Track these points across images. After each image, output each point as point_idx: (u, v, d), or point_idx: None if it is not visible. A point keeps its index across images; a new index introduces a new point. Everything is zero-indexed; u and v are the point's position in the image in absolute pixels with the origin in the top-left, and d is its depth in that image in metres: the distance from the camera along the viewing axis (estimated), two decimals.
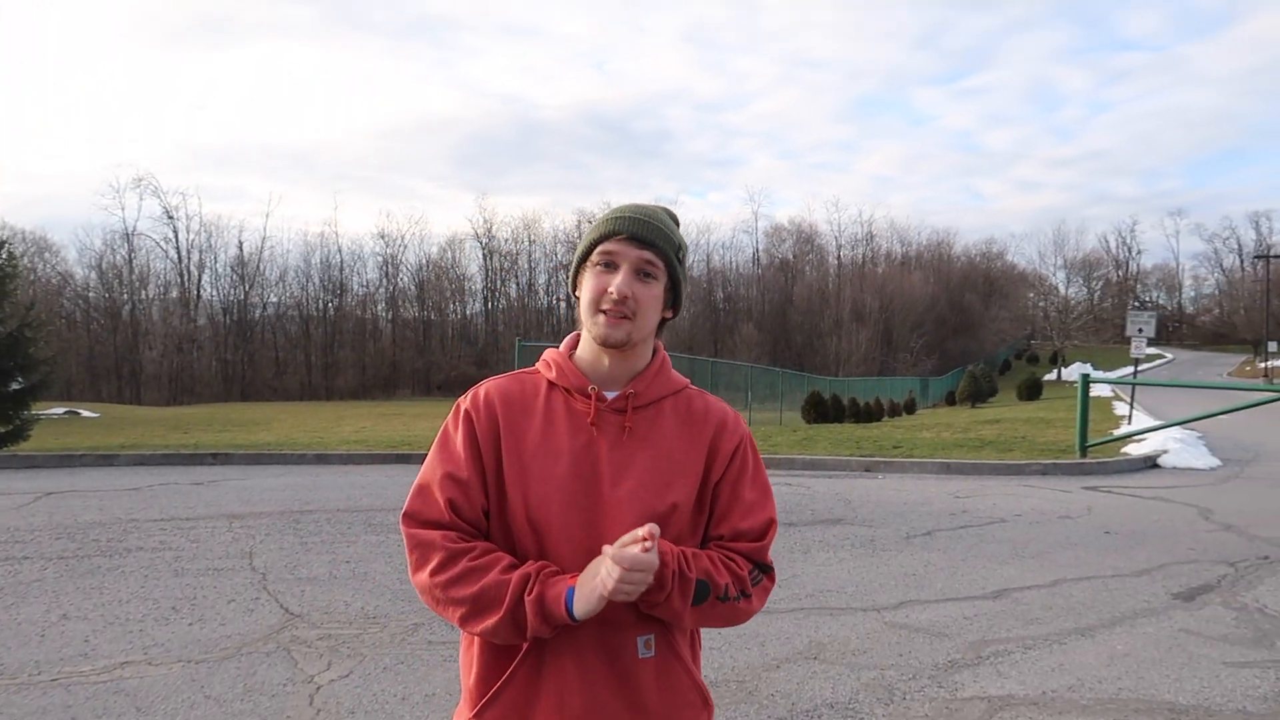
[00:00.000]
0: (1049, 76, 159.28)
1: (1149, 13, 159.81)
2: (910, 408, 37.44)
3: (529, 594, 1.38)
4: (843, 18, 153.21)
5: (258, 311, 72.18)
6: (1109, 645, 4.56)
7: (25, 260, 59.13)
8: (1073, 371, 64.57)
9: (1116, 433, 15.44)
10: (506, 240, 79.12)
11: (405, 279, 77.42)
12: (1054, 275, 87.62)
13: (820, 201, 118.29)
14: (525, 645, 1.43)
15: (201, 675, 3.99)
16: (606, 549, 1.33)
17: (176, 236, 69.50)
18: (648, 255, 1.47)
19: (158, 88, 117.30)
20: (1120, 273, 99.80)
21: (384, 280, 76.59)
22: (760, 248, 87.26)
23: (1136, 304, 78.37)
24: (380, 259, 76.23)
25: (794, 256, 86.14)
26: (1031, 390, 39.49)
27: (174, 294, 69.56)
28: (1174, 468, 12.18)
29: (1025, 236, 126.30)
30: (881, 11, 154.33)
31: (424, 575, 1.44)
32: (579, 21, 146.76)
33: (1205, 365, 67.89)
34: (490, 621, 1.38)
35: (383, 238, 76.59)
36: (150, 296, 69.11)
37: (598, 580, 1.32)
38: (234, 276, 71.37)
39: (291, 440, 16.29)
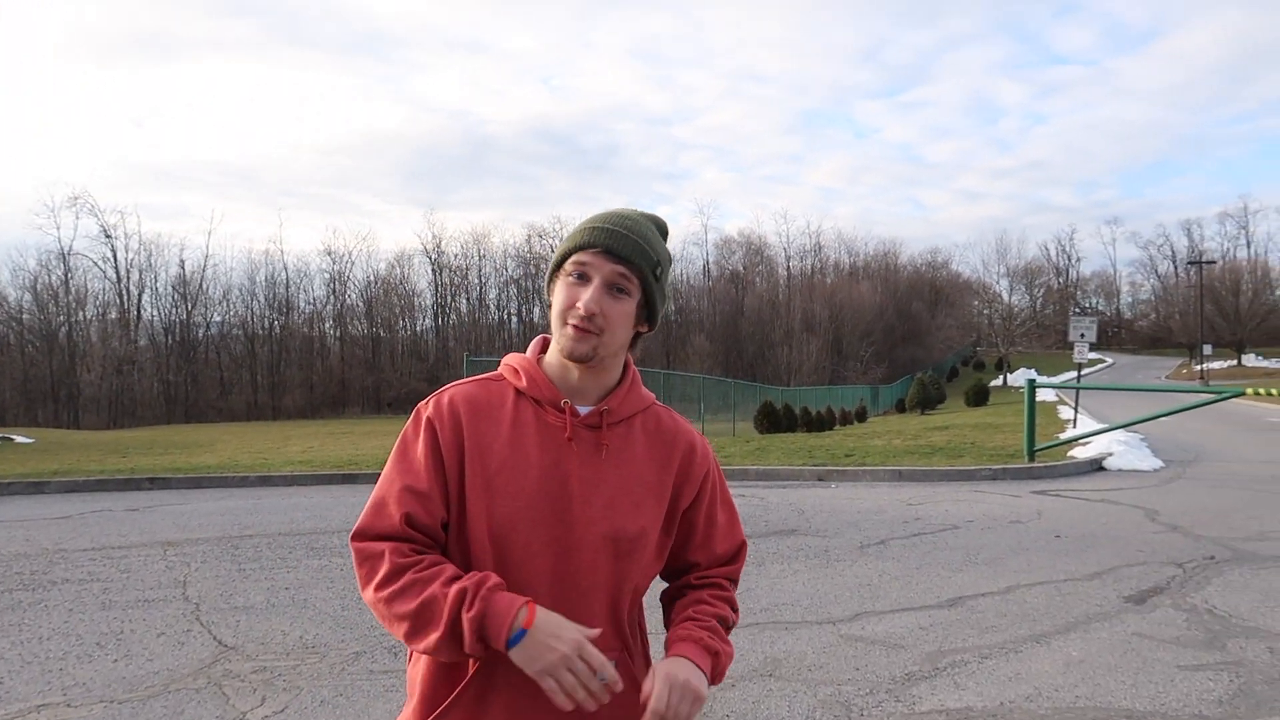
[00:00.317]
0: (987, 90, 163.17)
1: (1081, 28, 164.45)
2: (861, 416, 37.73)
3: (468, 610, 1.27)
4: (786, 34, 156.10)
5: (201, 331, 70.56)
6: (1064, 652, 4.52)
7: None
8: (1018, 377, 65.70)
9: (1063, 436, 15.65)
10: (456, 255, 78.29)
11: (353, 296, 76.28)
12: (998, 283, 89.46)
13: (769, 213, 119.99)
14: (476, 663, 1.36)
15: (124, 716, 3.76)
16: (586, 641, 1.28)
17: (115, 256, 67.70)
18: (621, 270, 1.40)
19: (93, 104, 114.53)
20: (1061, 280, 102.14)
21: (331, 297, 75.36)
22: (710, 260, 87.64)
23: (1077, 310, 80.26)
24: (327, 276, 74.98)
25: (744, 268, 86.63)
26: (979, 396, 40.05)
27: (113, 314, 67.68)
28: (1119, 470, 12.36)
29: (969, 246, 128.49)
30: (824, 28, 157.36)
31: (369, 591, 1.35)
32: (527, 37, 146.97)
33: (1144, 369, 69.62)
34: (431, 639, 1.29)
35: (329, 254, 75.40)
36: (88, 317, 67.13)
37: (554, 665, 1.26)
38: (175, 295, 69.71)
39: (234, 462, 15.85)
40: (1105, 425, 15.30)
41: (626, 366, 1.52)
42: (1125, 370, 68.48)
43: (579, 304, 1.38)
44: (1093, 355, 63.12)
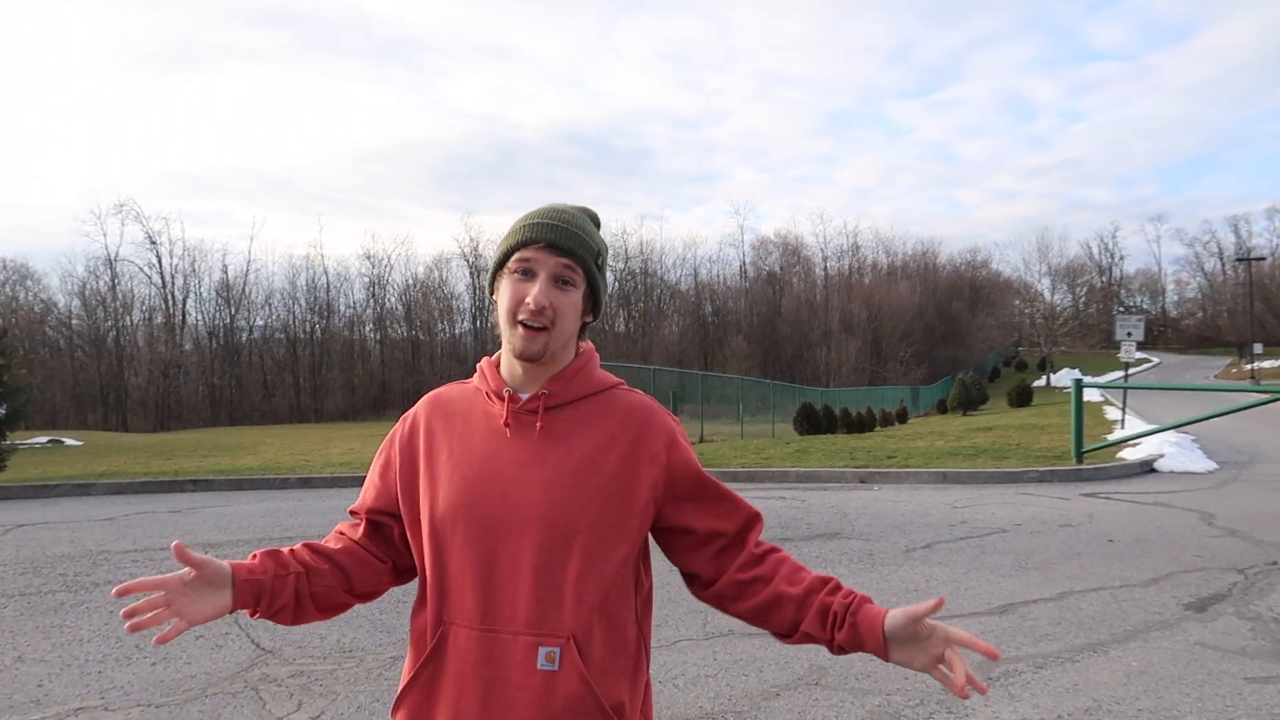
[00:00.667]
0: (1020, 87, 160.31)
1: (1116, 23, 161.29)
2: (902, 417, 37.29)
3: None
4: (814, 36, 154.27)
5: (244, 335, 71.63)
6: (1124, 662, 4.34)
7: (6, 289, 58.68)
8: (1061, 377, 64.60)
9: (1111, 437, 15.28)
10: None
11: (392, 299, 77.06)
12: (1039, 282, 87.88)
13: (805, 214, 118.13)
14: (429, 648, 1.41)
15: None
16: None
17: (160, 262, 69.00)
18: (566, 262, 1.42)
19: (135, 113, 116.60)
20: (1104, 279, 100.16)
21: (371, 301, 76.19)
22: (747, 260, 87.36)
23: (1121, 309, 78.74)
24: (367, 280, 75.85)
25: (781, 269, 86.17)
26: (1022, 397, 39.40)
27: (159, 319, 68.97)
28: (1171, 472, 12.01)
29: (1009, 244, 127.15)
30: (852, 29, 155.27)
31: None
32: (554, 41, 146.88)
33: (1191, 369, 68.05)
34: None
35: (369, 259, 76.30)
36: (135, 322, 68.50)
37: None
38: (219, 300, 70.87)
39: (275, 464, 15.99)
40: (1156, 426, 14.90)
41: (580, 353, 1.52)
42: (1172, 370, 67.02)
43: (528, 299, 1.39)
44: (1138, 355, 61.76)
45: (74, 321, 66.89)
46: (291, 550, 1.53)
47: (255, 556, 1.48)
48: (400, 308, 76.81)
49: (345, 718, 3.75)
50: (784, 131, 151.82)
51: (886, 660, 1.40)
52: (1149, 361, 73.39)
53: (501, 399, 1.45)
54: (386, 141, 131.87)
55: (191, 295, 70.70)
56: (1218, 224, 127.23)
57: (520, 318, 1.40)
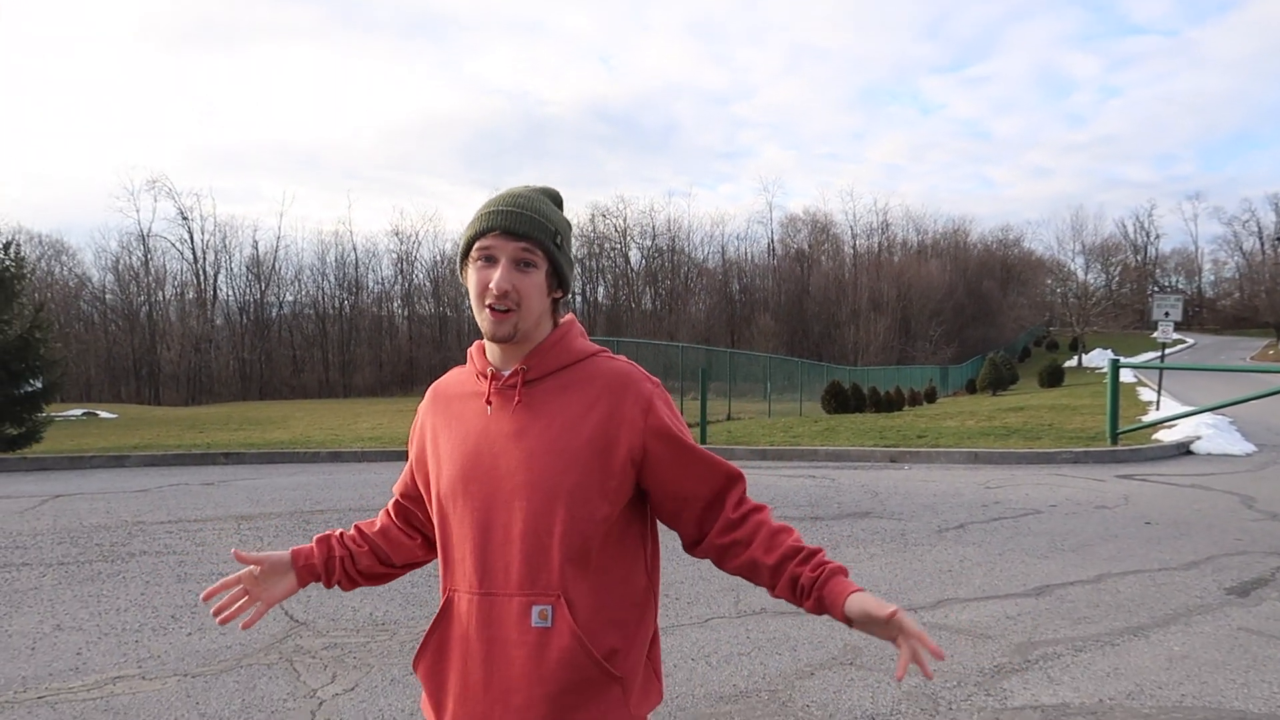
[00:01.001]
0: (1057, 62, 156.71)
1: None
2: (931, 396, 37.01)
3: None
4: (847, 7, 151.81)
5: (274, 310, 72.29)
6: (1165, 646, 4.26)
7: (41, 264, 59.46)
8: (1093, 358, 63.76)
9: (1145, 419, 15.06)
10: None
11: (420, 275, 77.35)
12: (1072, 261, 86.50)
13: (834, 191, 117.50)
14: (440, 607, 1.54)
15: (197, 690, 3.76)
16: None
17: (191, 238, 69.69)
18: (523, 245, 1.49)
19: (167, 90, 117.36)
20: (1139, 258, 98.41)
21: (399, 277, 76.53)
22: (775, 238, 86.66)
23: (1156, 289, 77.46)
24: (395, 256, 76.17)
25: (809, 246, 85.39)
26: (1053, 377, 38.90)
27: (190, 294, 69.76)
28: (1208, 454, 11.81)
29: (1043, 223, 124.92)
30: (884, 2, 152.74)
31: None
32: (582, 16, 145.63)
33: (1227, 350, 66.87)
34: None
35: (397, 235, 76.56)
36: (167, 297, 69.35)
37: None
38: (250, 276, 71.54)
39: (305, 438, 16.13)
40: (1193, 408, 14.65)
41: (558, 326, 1.59)
42: (1207, 351, 65.89)
43: (491, 284, 1.47)
44: (1173, 335, 60.88)
45: (108, 296, 67.82)
46: (341, 535, 1.77)
47: (313, 543, 1.76)
48: (428, 284, 77.09)
49: (379, 690, 3.76)
50: (814, 107, 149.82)
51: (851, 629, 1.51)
52: (1184, 343, 72.15)
53: (486, 378, 1.55)
54: (415, 118, 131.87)
55: (222, 271, 71.45)
56: (1258, 202, 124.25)
57: (487, 302, 1.48)
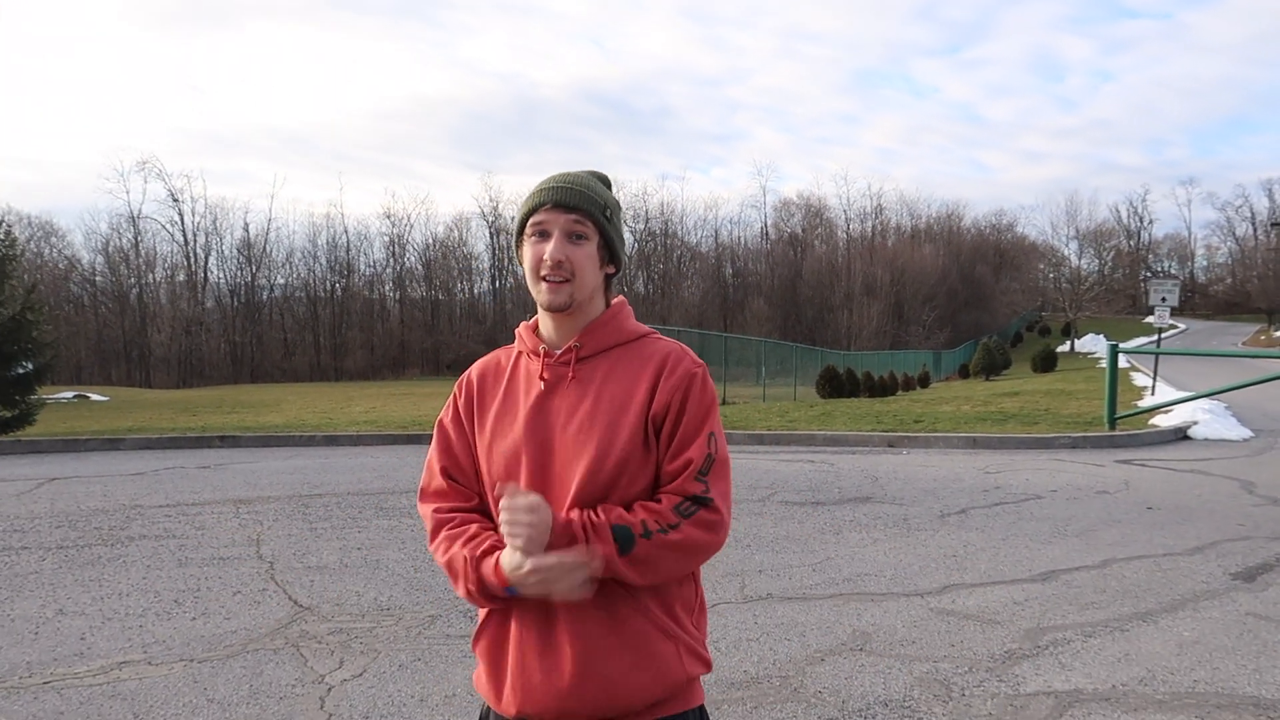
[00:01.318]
0: (1050, 46, 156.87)
1: None
2: (924, 381, 37.08)
3: (470, 584, 1.50)
4: None
5: (265, 293, 71.96)
6: (1175, 632, 4.26)
7: (31, 245, 59.01)
8: (1086, 343, 63.94)
9: (1142, 404, 15.08)
10: (512, 219, 78.39)
11: (412, 259, 77.06)
12: (1066, 246, 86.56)
13: (828, 175, 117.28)
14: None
15: (204, 676, 3.72)
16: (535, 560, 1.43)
17: (182, 219, 69.24)
18: (574, 217, 1.54)
19: (157, 71, 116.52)
20: (1132, 243, 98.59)
21: (391, 260, 76.20)
22: (769, 222, 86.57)
23: (1149, 274, 77.66)
24: (386, 239, 75.81)
25: (803, 230, 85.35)
26: (1046, 362, 38.99)
27: (181, 277, 69.39)
28: (1205, 439, 11.83)
29: (1036, 208, 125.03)
30: None
31: (429, 546, 1.62)
32: None
33: (1219, 335, 67.16)
34: (462, 594, 1.54)
35: (388, 218, 76.26)
36: (157, 280, 68.98)
37: (544, 589, 1.43)
38: (240, 258, 71.13)
39: (300, 422, 16.06)
40: (1190, 393, 14.68)
41: (610, 305, 1.64)
42: (1199, 336, 66.17)
43: (545, 255, 1.53)
44: (1169, 320, 61.00)
45: (98, 278, 67.38)
46: (480, 526, 1.61)
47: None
48: (420, 267, 76.86)
49: (388, 676, 3.73)
50: (807, 90, 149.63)
51: None
52: (1176, 328, 72.36)
53: (539, 356, 1.59)
54: (406, 100, 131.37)
55: (213, 253, 71.07)
56: (1251, 187, 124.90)
57: (542, 274, 1.54)
